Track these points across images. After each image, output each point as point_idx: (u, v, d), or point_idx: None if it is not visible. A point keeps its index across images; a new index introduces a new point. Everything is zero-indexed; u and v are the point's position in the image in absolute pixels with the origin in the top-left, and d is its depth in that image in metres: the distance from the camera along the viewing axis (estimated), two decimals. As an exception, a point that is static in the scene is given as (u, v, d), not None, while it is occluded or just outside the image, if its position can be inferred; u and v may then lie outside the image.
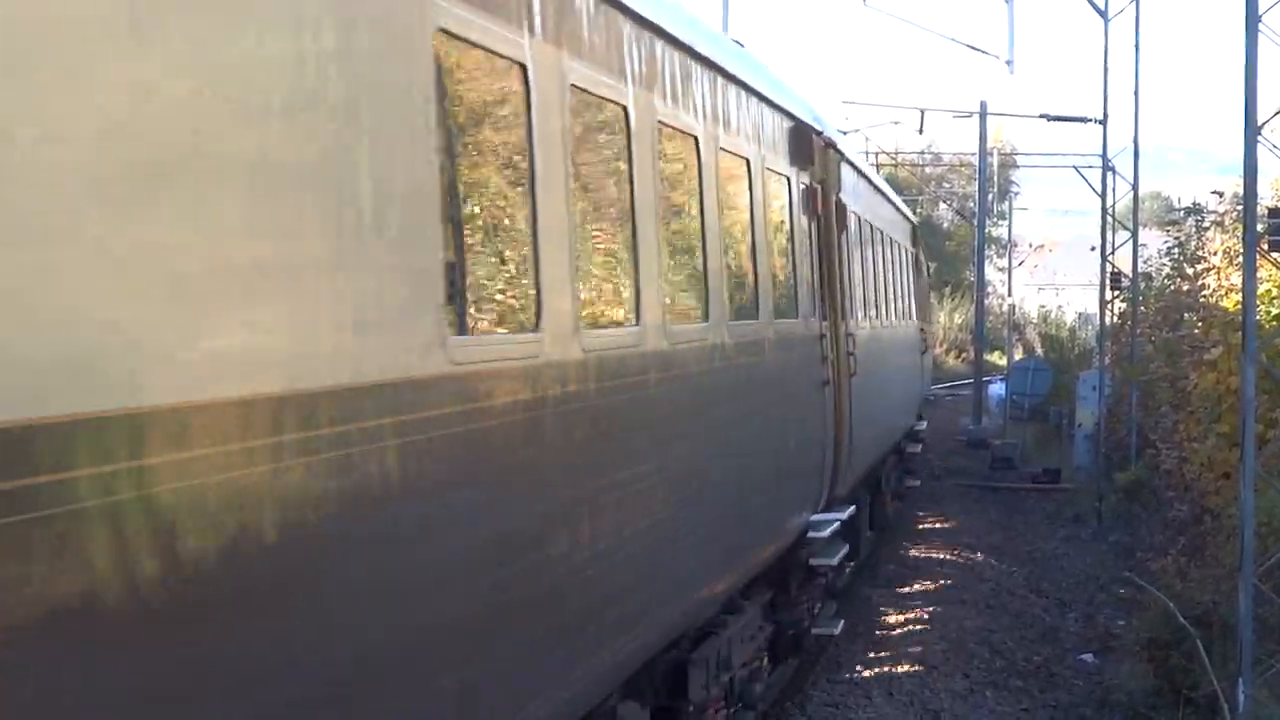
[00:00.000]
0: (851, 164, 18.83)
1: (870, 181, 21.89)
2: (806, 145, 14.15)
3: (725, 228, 10.87)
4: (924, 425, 31.89)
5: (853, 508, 16.12)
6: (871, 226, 20.96)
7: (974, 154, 49.84)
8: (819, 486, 14.50)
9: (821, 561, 14.75)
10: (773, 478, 12.64)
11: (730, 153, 11.11)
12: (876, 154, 53.97)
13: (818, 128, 15.10)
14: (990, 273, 65.14)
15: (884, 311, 22.39)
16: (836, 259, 15.95)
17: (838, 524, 14.81)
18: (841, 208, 16.63)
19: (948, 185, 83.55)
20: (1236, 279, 23.36)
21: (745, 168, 11.74)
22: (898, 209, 28.23)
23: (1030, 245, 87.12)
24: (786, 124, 13.57)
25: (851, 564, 20.27)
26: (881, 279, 22.14)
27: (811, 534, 14.19)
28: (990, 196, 59.35)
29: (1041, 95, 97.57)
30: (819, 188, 14.91)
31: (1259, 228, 13.95)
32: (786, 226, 13.40)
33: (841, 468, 15.45)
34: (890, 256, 24.16)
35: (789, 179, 13.52)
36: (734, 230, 11.40)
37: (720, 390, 10.51)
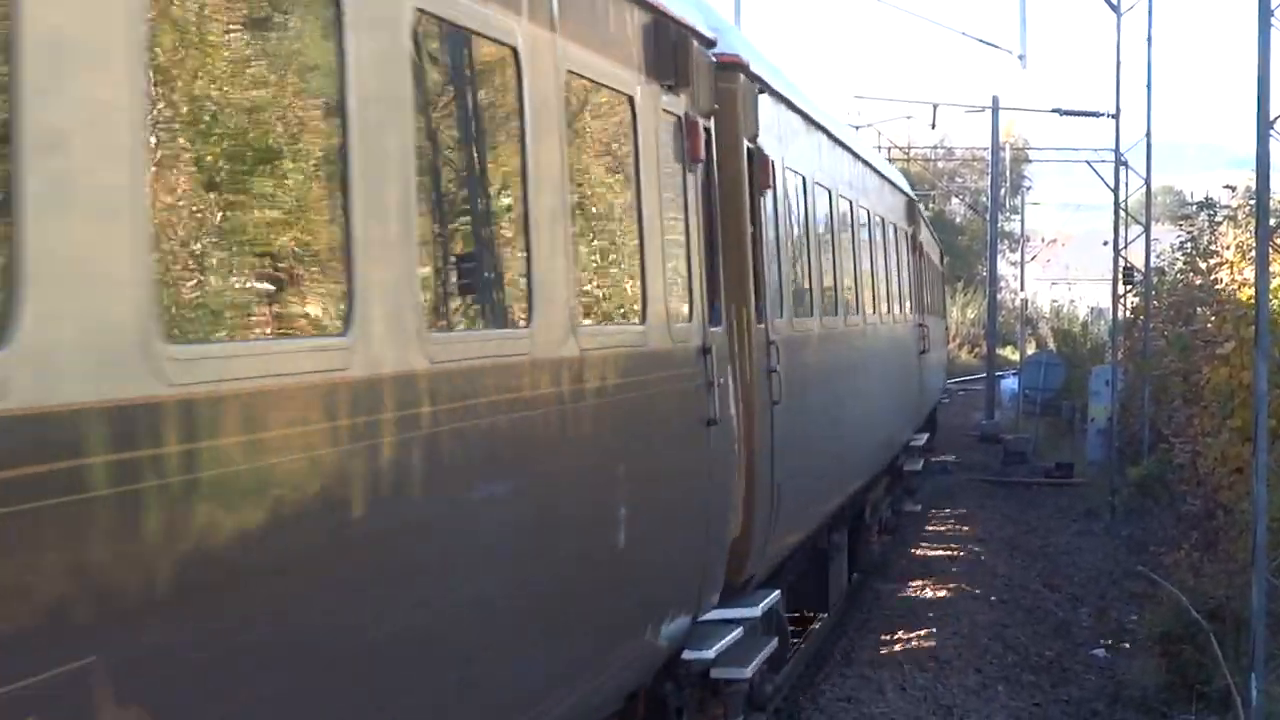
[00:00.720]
0: (784, 100, 13.44)
1: (828, 133, 16.27)
2: (676, 54, 9.33)
3: (425, 161, 6.36)
4: (924, 439, 27.58)
5: (775, 594, 11.65)
6: (831, 194, 15.91)
7: (986, 149, 49.84)
8: (698, 579, 9.76)
9: (727, 674, 10.39)
10: (589, 590, 8.01)
11: (448, 22, 6.48)
12: (889, 148, 53.92)
13: (705, 34, 10.18)
14: (1003, 267, 65.10)
15: (853, 306, 17.24)
16: (747, 232, 11.48)
17: (737, 632, 10.36)
18: (762, 159, 11.93)
19: (960, 180, 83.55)
20: (1249, 273, 23.34)
21: (510, 59, 7.00)
22: (882, 176, 22.02)
23: (1043, 240, 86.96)
24: (637, 15, 8.85)
25: (799, 643, 16.17)
26: (850, 263, 17.15)
27: (689, 653, 9.74)
28: (1003, 191, 59.29)
29: (1054, 90, 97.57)
30: (704, 123, 10.10)
31: (1271, 222, 13.95)
32: (621, 174, 8.78)
33: (755, 539, 11.25)
34: (868, 234, 18.99)
35: (632, 99, 8.68)
36: (455, 168, 6.92)
37: (409, 469, 5.91)
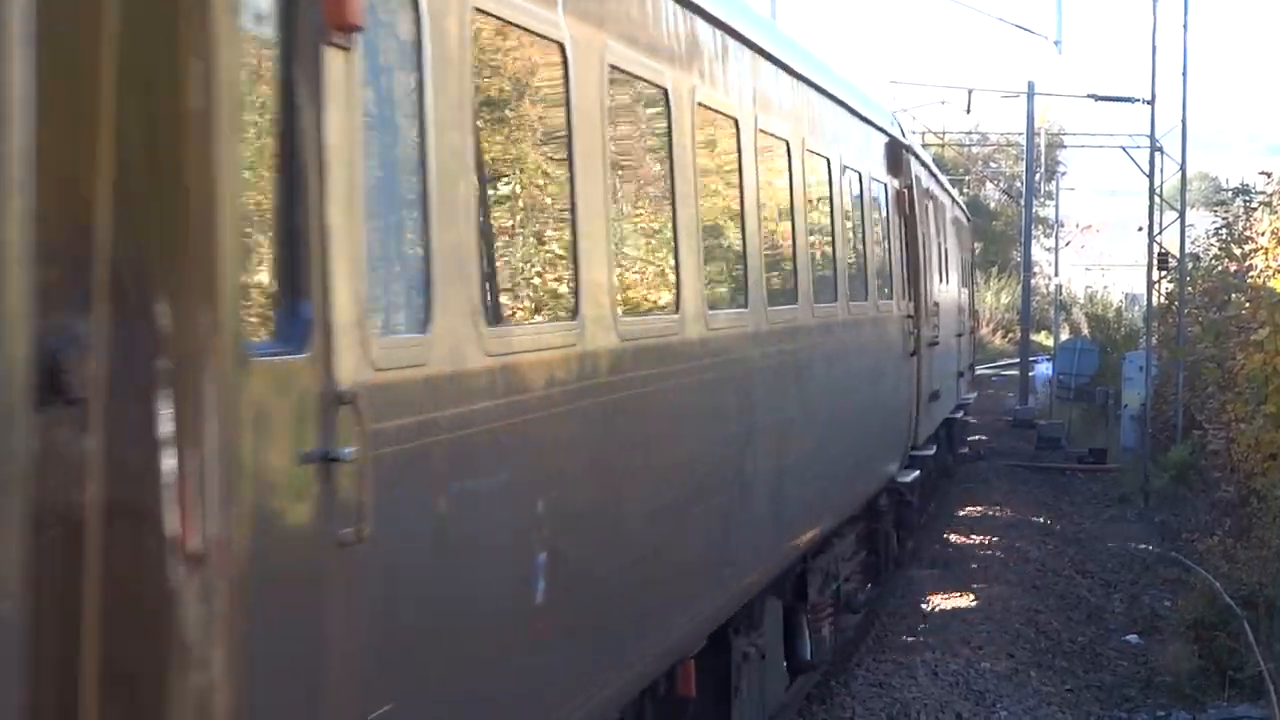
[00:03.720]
0: None
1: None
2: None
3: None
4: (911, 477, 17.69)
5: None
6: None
7: (1021, 134, 49.72)
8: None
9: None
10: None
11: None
12: (924, 133, 53.83)
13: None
14: (1037, 253, 64.88)
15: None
16: None
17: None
18: None
19: (994, 165, 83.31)
20: (1284, 260, 23.31)
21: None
22: (833, 100, 13.54)
23: (1077, 225, 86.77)
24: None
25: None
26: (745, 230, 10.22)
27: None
28: (1037, 177, 59.12)
29: (1089, 75, 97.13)
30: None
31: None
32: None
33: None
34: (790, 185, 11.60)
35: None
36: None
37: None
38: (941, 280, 23.21)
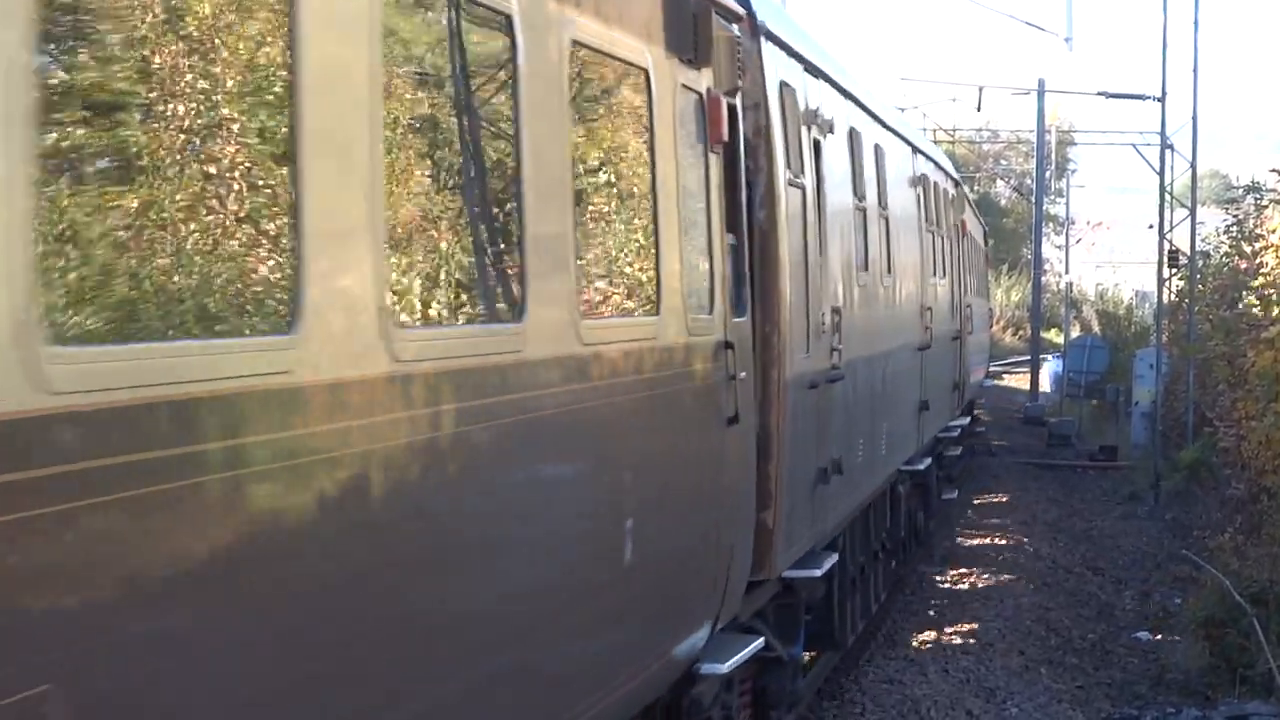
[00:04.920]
0: None
1: None
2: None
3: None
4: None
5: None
6: None
7: (1032, 131, 49.73)
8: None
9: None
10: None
11: None
12: (934, 130, 53.79)
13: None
14: (1048, 250, 64.86)
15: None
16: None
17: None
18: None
19: (1005, 163, 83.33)
20: (1295, 257, 23.31)
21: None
22: None
23: (1088, 223, 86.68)
24: None
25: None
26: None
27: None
28: (1048, 174, 59.09)
29: (1100, 72, 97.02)
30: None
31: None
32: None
33: None
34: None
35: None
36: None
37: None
38: (869, 270, 14.52)
